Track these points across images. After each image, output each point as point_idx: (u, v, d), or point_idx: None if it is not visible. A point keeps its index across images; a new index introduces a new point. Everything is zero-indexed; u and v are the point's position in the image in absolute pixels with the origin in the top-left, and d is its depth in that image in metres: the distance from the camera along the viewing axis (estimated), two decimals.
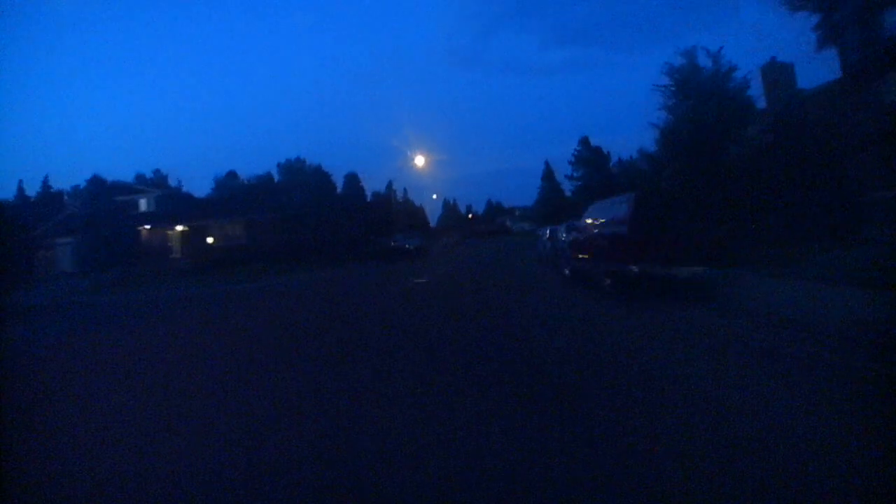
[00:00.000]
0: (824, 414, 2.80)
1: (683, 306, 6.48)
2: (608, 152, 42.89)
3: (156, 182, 50.02)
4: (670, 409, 3.05)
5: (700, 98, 13.43)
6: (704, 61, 14.17)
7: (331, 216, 29.67)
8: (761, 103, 15.60)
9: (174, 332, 8.74)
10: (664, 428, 2.78)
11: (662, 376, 3.68)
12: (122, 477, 2.77)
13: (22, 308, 16.75)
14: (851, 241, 10.12)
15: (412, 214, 61.63)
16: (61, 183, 73.33)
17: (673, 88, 14.12)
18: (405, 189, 65.53)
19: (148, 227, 34.14)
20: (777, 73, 16.62)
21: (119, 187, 36.22)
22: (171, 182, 54.55)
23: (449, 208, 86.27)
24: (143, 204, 36.19)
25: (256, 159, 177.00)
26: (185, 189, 47.94)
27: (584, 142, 44.66)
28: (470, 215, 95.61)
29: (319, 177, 31.15)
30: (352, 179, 45.35)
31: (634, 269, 7.03)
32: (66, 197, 42.75)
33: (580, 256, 10.10)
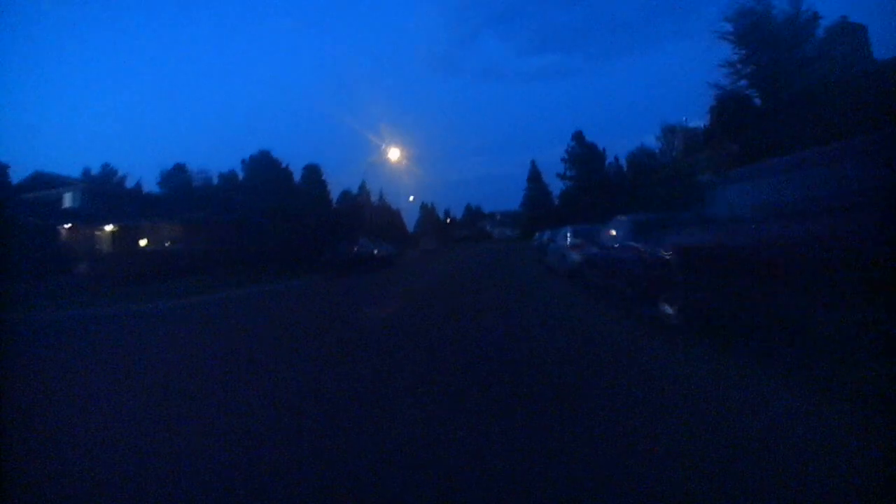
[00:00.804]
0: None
1: None
2: (604, 149, 39.24)
3: (102, 179, 44.25)
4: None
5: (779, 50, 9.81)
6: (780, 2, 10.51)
7: (286, 218, 24.95)
8: None
9: None
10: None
11: None
12: None
13: None
14: None
15: (388, 218, 57.20)
16: None
17: (735, 37, 10.51)
18: (381, 191, 60.83)
19: (68, 225, 28.64)
20: (848, 37, 13.17)
21: (40, 180, 30.63)
22: (129, 181, 48.55)
23: (427, 212, 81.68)
24: (67, 199, 30.71)
25: (227, 158, 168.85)
26: (134, 186, 42.30)
27: (578, 137, 40.58)
28: (448, 220, 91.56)
29: (276, 172, 26.35)
30: (311, 173, 38.69)
31: None
32: None
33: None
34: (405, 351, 5.39)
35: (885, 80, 10.19)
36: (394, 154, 32.62)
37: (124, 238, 29.23)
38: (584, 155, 38.15)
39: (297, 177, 35.22)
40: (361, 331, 6.96)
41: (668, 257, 5.52)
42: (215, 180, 35.01)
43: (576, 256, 10.81)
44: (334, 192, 43.93)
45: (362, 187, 57.50)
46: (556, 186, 50.77)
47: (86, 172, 42.18)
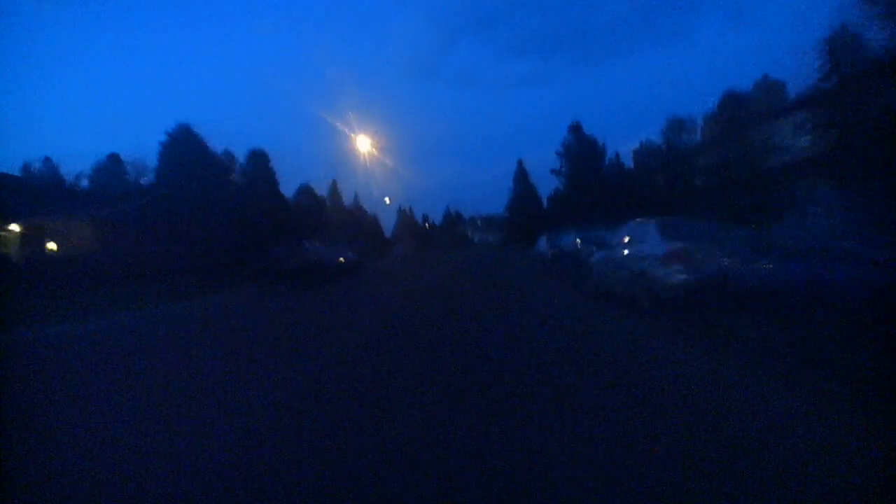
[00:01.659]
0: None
1: None
2: (603, 144, 34.63)
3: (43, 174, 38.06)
4: None
5: None
6: None
7: (215, 214, 19.53)
8: None
9: None
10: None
11: None
12: None
13: None
14: None
15: (361, 221, 52.39)
16: None
17: None
18: (356, 193, 55.64)
19: None
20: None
21: None
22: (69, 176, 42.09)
23: (404, 216, 76.72)
24: None
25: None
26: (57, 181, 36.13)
27: (576, 129, 35.97)
28: (427, 224, 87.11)
29: (199, 154, 20.45)
30: (257, 160, 28.81)
31: None
32: None
33: None
34: None
35: None
36: (363, 143, 27.80)
37: (26, 240, 23.48)
38: (581, 150, 33.59)
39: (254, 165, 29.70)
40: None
41: None
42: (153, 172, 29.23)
43: (679, 275, 5.79)
44: (292, 186, 37.91)
45: (333, 189, 52.35)
46: (543, 189, 46.60)
47: (26, 167, 36.18)
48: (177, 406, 3.96)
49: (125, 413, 3.91)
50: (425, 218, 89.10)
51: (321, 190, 45.57)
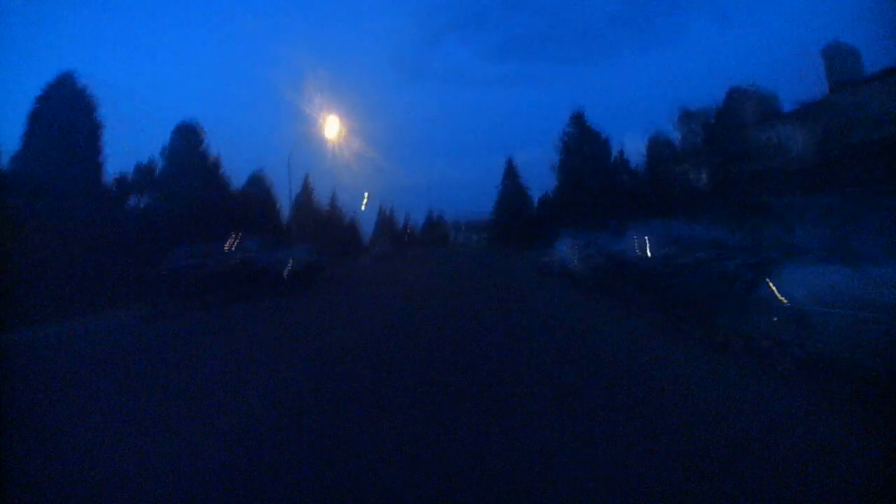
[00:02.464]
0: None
1: None
2: (606, 138, 29.95)
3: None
4: None
5: None
6: None
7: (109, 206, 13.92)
8: None
9: None
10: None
11: None
12: None
13: None
14: None
15: (337, 222, 47.62)
16: None
17: None
18: (333, 193, 50.37)
19: None
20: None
21: None
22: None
23: (384, 217, 71.70)
24: None
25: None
26: None
27: (578, 120, 31.52)
28: (408, 227, 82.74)
29: (83, 122, 13.78)
30: (185, 137, 20.84)
31: None
32: None
33: None
34: None
35: None
36: (332, 124, 23.10)
37: None
38: (585, 144, 29.03)
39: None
40: None
41: None
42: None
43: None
44: (242, 176, 29.85)
45: (305, 186, 47.52)
46: (534, 190, 42.59)
47: None
48: None
49: None
50: (407, 219, 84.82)
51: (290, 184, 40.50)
